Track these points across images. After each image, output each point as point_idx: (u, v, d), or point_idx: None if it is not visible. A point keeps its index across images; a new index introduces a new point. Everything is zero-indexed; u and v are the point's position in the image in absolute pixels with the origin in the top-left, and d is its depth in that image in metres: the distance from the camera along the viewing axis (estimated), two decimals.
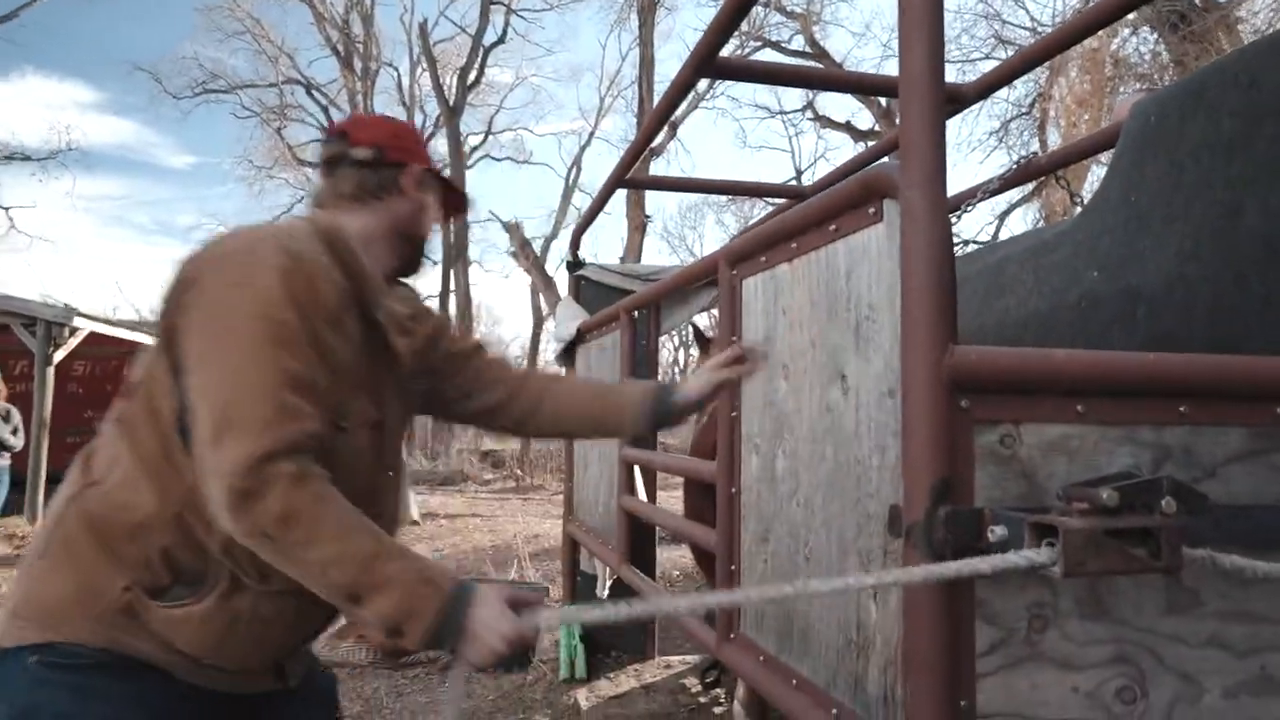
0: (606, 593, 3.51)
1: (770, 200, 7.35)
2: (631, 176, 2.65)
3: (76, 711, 1.07)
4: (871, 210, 1.18)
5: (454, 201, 1.51)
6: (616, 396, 1.52)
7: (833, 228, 1.30)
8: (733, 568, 1.65)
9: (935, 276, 0.98)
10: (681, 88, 1.92)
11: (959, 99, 2.06)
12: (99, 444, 1.19)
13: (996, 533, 0.93)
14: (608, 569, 3.36)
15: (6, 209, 19.00)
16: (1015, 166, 1.97)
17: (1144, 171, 1.62)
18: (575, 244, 3.67)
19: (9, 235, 19.68)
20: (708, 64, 1.85)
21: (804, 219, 1.40)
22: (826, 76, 2.01)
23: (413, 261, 1.42)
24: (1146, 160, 1.63)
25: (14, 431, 7.69)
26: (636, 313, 2.80)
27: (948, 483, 0.97)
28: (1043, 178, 2.20)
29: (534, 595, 1.17)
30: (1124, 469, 1.03)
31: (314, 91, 23.37)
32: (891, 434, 1.09)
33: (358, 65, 22.62)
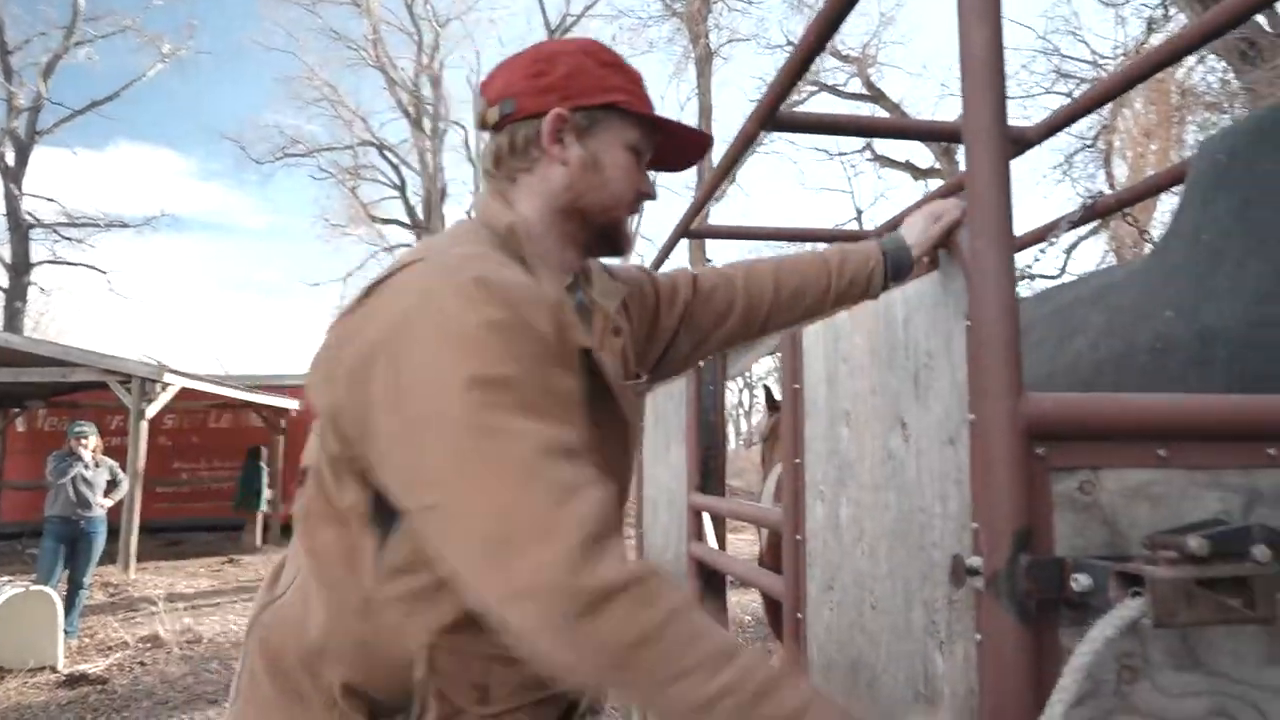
0: None
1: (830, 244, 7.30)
2: (695, 228, 2.71)
3: None
4: (927, 260, 1.20)
5: (671, 141, 1.11)
6: (858, 270, 1.32)
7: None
8: (799, 615, 1.65)
9: (1004, 326, 0.99)
10: (745, 141, 1.97)
11: (1022, 141, 2.06)
12: (291, 546, 0.98)
13: (1081, 581, 0.92)
14: None
15: (105, 273, 20.15)
16: (1082, 209, 1.96)
17: (1213, 208, 1.60)
18: None
19: (106, 296, 20.90)
20: (770, 118, 1.90)
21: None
22: (888, 126, 2.05)
23: (605, 242, 1.08)
24: (1218, 197, 1.61)
25: (114, 483, 8.08)
26: (702, 360, 2.83)
27: (1028, 531, 0.97)
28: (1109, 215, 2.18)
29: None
30: (1212, 515, 1.02)
31: (385, 152, 24.34)
32: (953, 482, 1.10)
33: (427, 125, 23.52)
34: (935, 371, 1.18)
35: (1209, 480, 1.03)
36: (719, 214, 18.68)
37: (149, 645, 5.78)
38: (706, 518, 3.25)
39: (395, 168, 24.25)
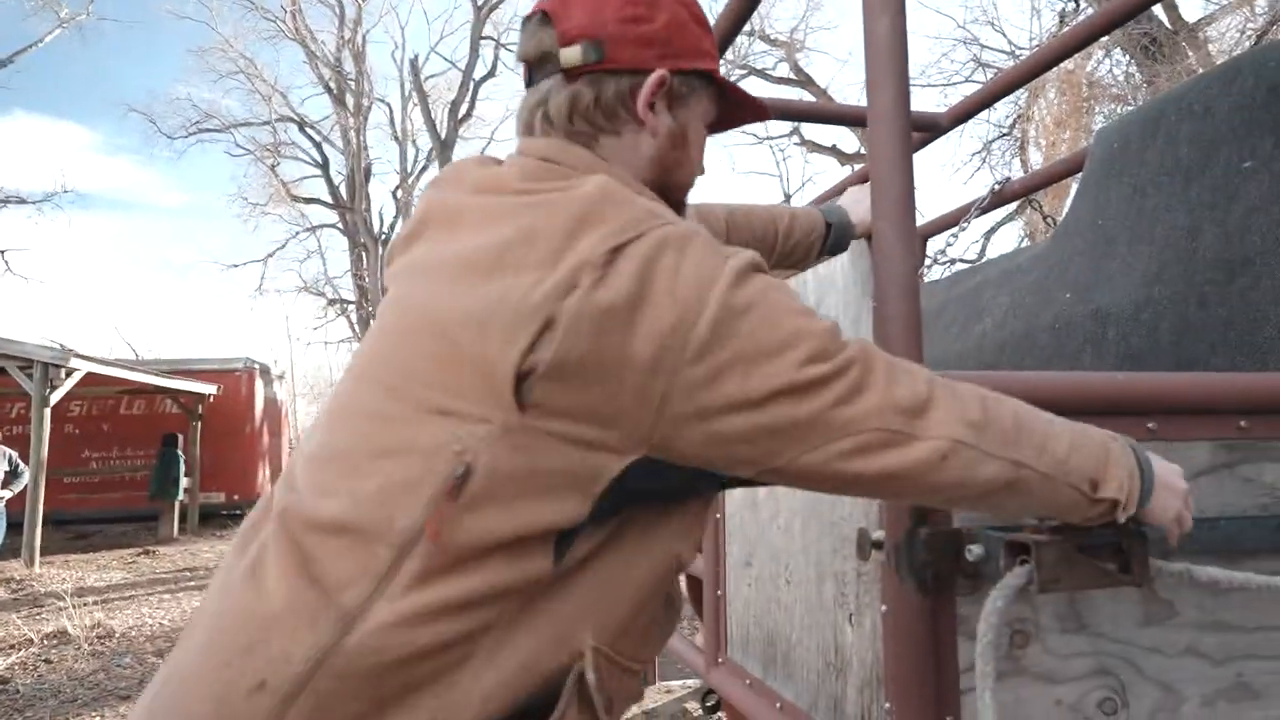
0: None
1: None
2: None
3: None
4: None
5: (733, 110, 1.03)
6: (802, 234, 1.29)
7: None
8: (719, 593, 1.68)
9: (905, 305, 1.02)
10: None
11: (934, 128, 2.12)
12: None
13: (974, 552, 0.96)
14: None
15: (1, 252, 19.04)
16: (990, 194, 2.02)
17: (1109, 195, 1.68)
18: None
19: (3, 277, 19.75)
20: None
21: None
22: (804, 110, 2.08)
23: None
24: (1112, 184, 1.69)
25: (14, 473, 7.68)
26: None
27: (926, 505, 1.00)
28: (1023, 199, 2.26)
29: None
30: None
31: (307, 128, 23.55)
32: None
33: (350, 101, 22.82)
34: None
35: None
36: None
37: (55, 642, 5.50)
38: None
39: (317, 145, 23.49)
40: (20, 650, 5.38)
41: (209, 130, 23.36)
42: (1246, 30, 7.23)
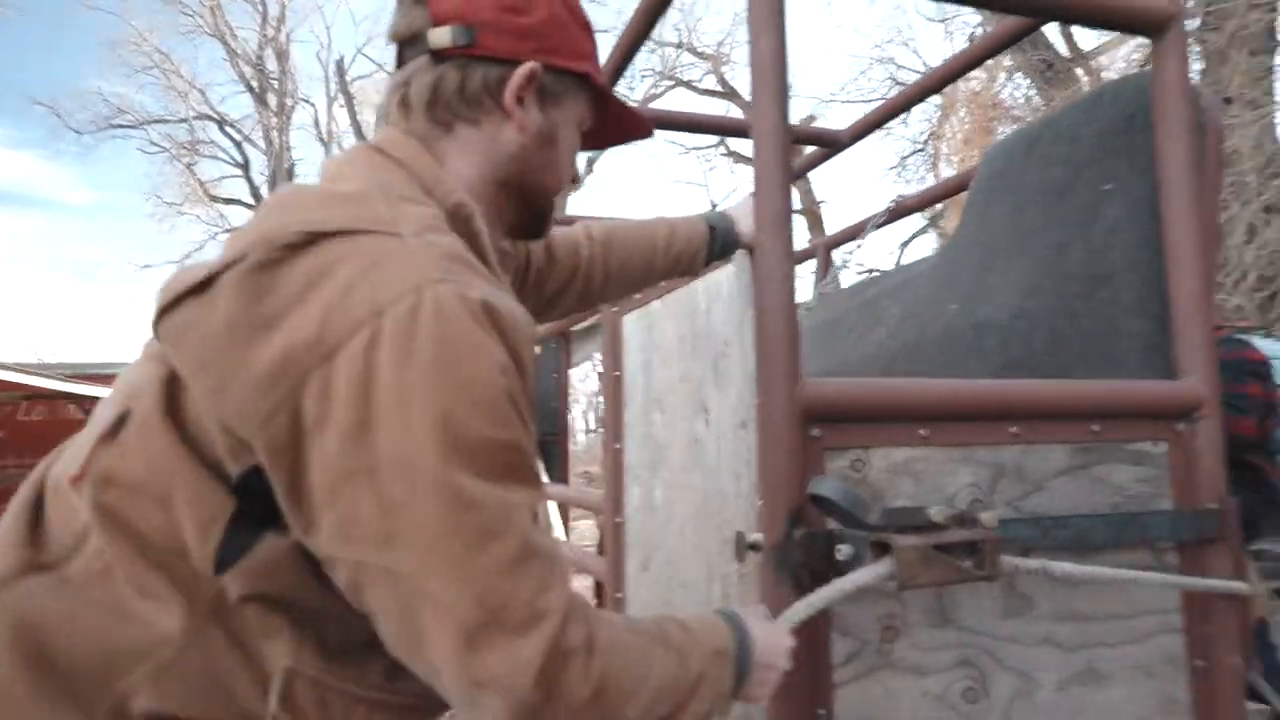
0: None
1: None
2: None
3: None
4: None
5: (612, 124, 1.00)
6: (685, 244, 1.26)
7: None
8: (619, 595, 1.71)
9: (783, 314, 1.07)
10: None
11: (834, 143, 2.20)
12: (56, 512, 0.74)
13: (844, 551, 1.01)
14: None
15: None
16: (887, 211, 2.11)
17: (991, 211, 1.78)
18: None
19: None
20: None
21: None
22: (690, 121, 2.13)
23: (529, 227, 0.96)
24: (995, 201, 1.79)
25: None
26: (540, 347, 2.85)
27: (802, 508, 1.05)
28: (939, 208, 2.36)
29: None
30: (965, 487, 1.14)
31: (227, 127, 22.82)
32: (744, 463, 1.17)
33: (273, 101, 22.22)
34: (730, 359, 1.25)
35: (963, 456, 1.15)
36: (577, 204, 18.70)
37: None
38: (551, 504, 3.28)
39: (238, 145, 22.78)
40: None
41: (122, 126, 22.43)
42: (1131, 60, 7.70)
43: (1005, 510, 1.13)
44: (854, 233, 2.52)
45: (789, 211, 1.10)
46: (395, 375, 0.63)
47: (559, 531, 3.32)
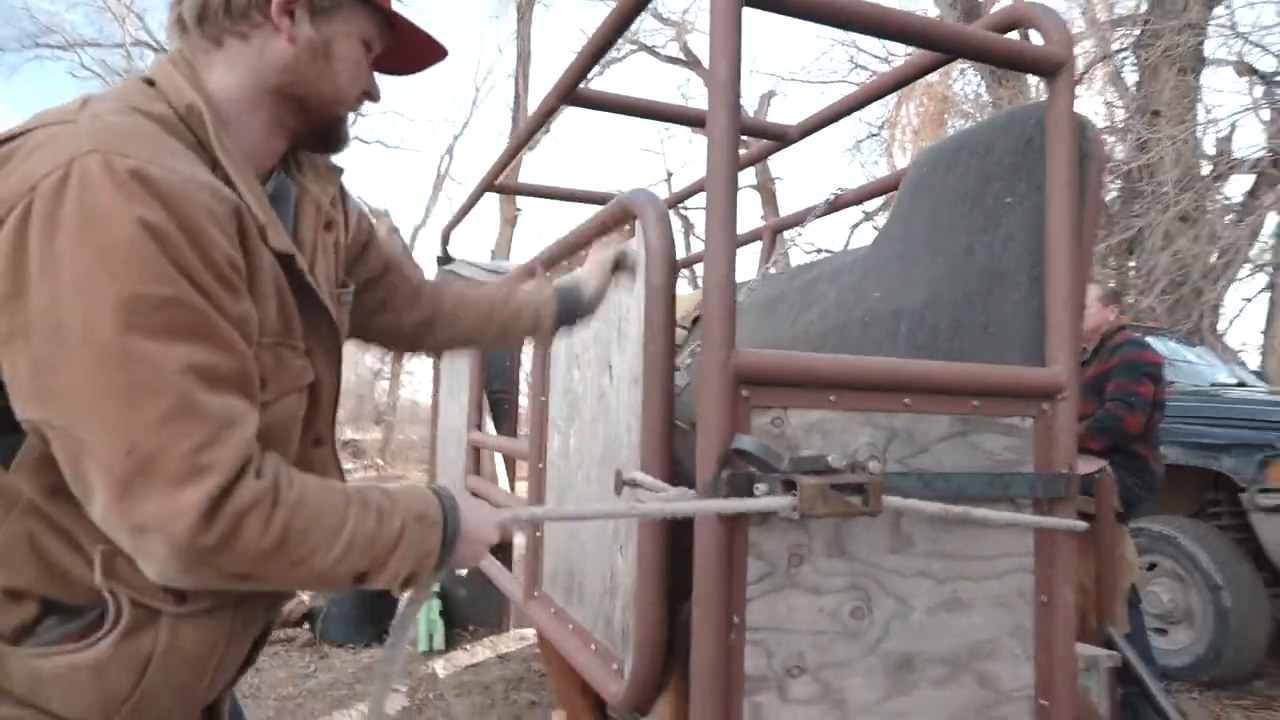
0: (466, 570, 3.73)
1: None
2: (501, 183, 2.89)
3: None
4: (627, 228, 1.50)
5: (405, 45, 1.03)
6: (525, 301, 1.35)
7: (604, 241, 1.63)
8: (537, 534, 1.94)
9: (723, 294, 1.28)
10: (544, 114, 2.18)
11: (783, 138, 2.41)
12: None
13: (760, 489, 1.24)
14: None
15: None
16: (826, 203, 2.34)
17: (915, 211, 2.02)
18: (445, 240, 3.86)
19: None
20: (570, 93, 2.12)
21: (591, 230, 1.72)
22: (676, 114, 2.33)
23: (319, 137, 0.99)
24: (919, 202, 2.03)
25: None
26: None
27: (730, 454, 1.28)
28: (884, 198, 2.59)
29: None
30: (864, 445, 1.38)
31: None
32: (634, 413, 1.40)
33: None
34: (629, 323, 1.47)
35: (864, 420, 1.39)
36: (532, 163, 18.63)
37: None
38: (499, 457, 3.49)
39: None
40: None
41: (49, 46, 21.44)
42: (1079, 61, 8.08)
43: (896, 466, 1.38)
44: (798, 219, 2.75)
45: (734, 208, 1.31)
46: (42, 242, 0.69)
47: (503, 481, 3.53)
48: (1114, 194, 6.79)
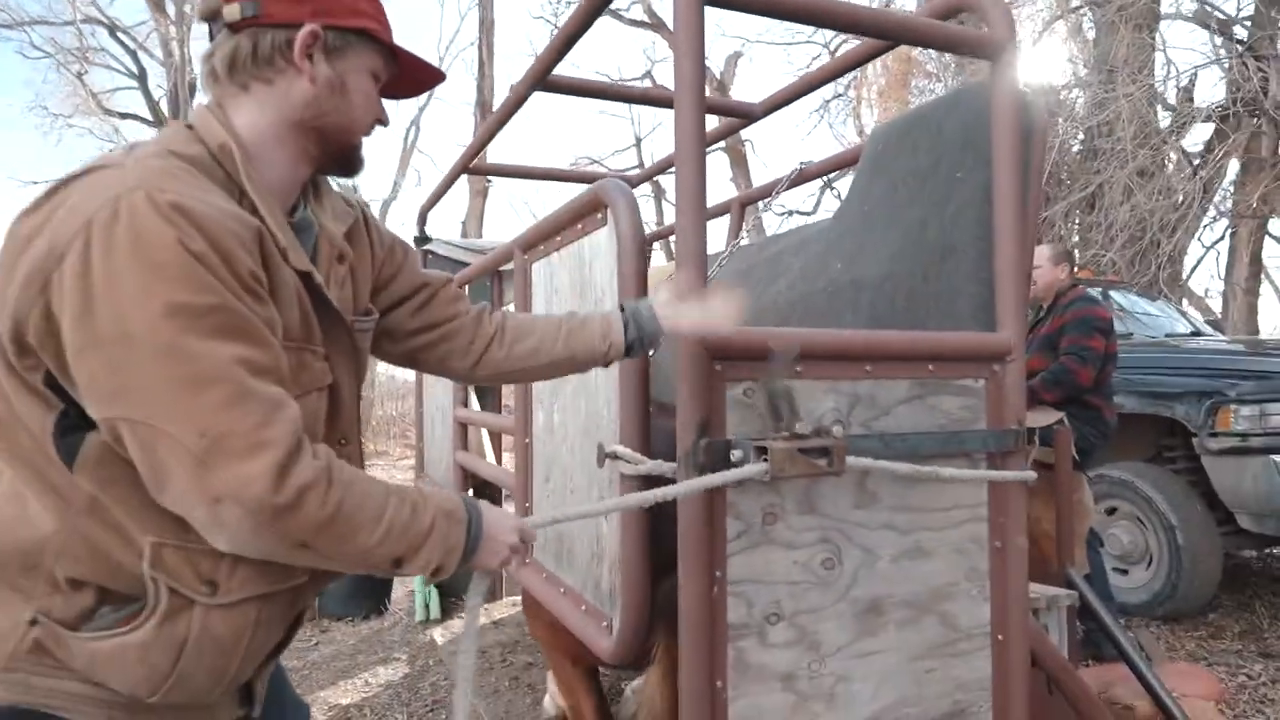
0: None
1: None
2: (476, 165, 2.95)
3: None
4: (600, 216, 1.60)
5: (407, 73, 1.15)
6: (590, 315, 1.37)
7: (580, 227, 1.73)
8: (527, 505, 2.06)
9: (695, 275, 1.39)
10: (516, 102, 2.26)
11: (748, 115, 2.51)
12: None
13: (735, 455, 1.36)
14: None
15: None
16: (792, 174, 2.44)
17: (872, 186, 2.12)
18: (422, 221, 3.92)
19: None
20: (541, 81, 2.20)
21: (565, 217, 1.82)
22: (643, 97, 2.42)
23: (339, 162, 1.11)
24: (876, 177, 2.14)
25: None
26: (468, 287, 3.13)
27: (707, 422, 1.39)
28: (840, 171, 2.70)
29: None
30: (830, 410, 1.50)
31: (119, 33, 21.42)
32: (613, 389, 1.52)
33: (171, 9, 20.92)
34: (606, 304, 1.58)
35: (829, 387, 1.51)
36: (503, 133, 18.45)
37: None
38: (484, 431, 3.59)
39: (132, 54, 21.47)
40: None
41: None
42: (1040, 19, 8.19)
43: (858, 429, 1.50)
44: (765, 192, 2.85)
45: (703, 193, 1.41)
46: (103, 265, 0.81)
47: (490, 455, 3.64)
48: (1076, 149, 6.93)
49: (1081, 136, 6.76)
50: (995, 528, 1.63)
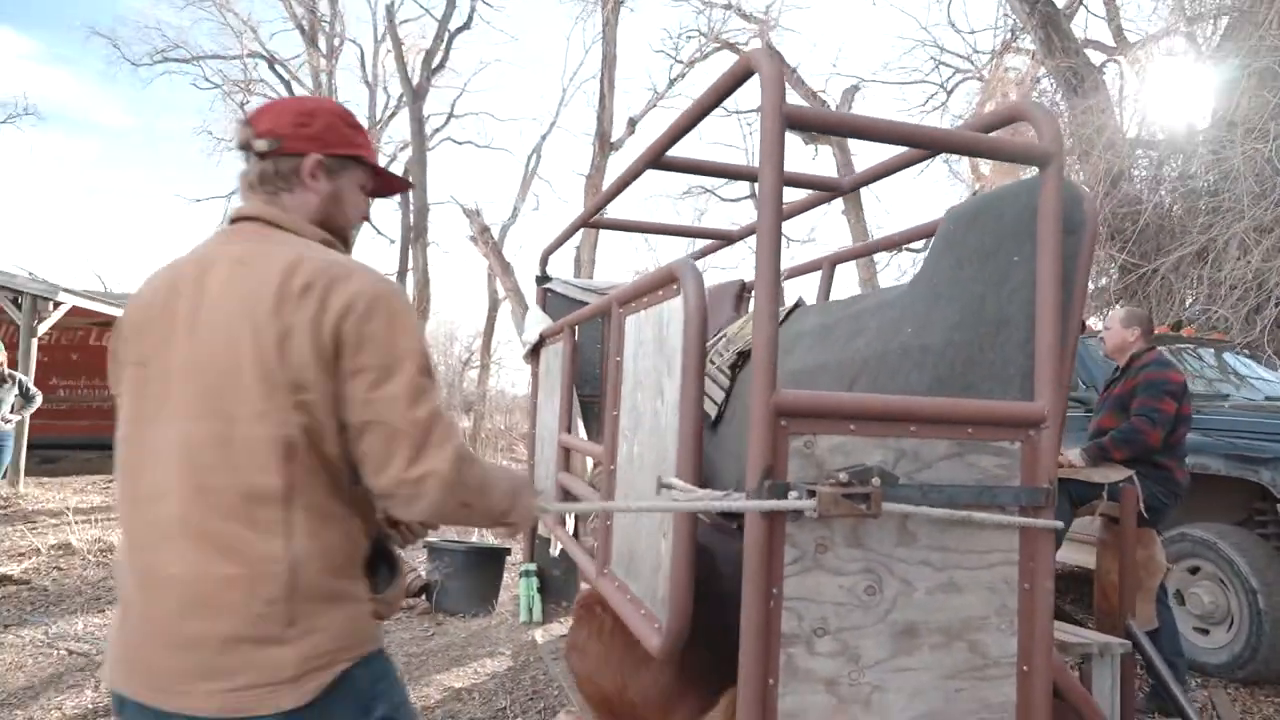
0: (557, 552, 4.24)
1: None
2: (597, 220, 3.35)
3: (403, 694, 1.41)
4: (674, 287, 1.94)
5: (385, 183, 1.58)
6: None
7: (660, 293, 2.08)
8: (608, 524, 2.42)
9: (768, 350, 1.71)
10: (631, 176, 2.64)
11: (835, 189, 2.81)
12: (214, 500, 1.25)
13: (792, 495, 1.67)
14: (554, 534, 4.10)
15: None
16: (876, 242, 2.71)
17: (943, 261, 2.39)
18: (544, 262, 4.36)
19: None
20: (657, 160, 2.58)
21: (648, 284, 2.20)
22: (705, 167, 2.79)
23: (338, 246, 1.48)
24: (946, 252, 2.40)
25: (28, 396, 8.08)
26: (577, 328, 3.51)
27: (771, 468, 1.71)
28: (895, 249, 2.96)
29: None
30: (876, 463, 1.79)
31: (277, 66, 23.40)
32: (675, 434, 1.84)
33: (322, 43, 22.72)
34: (676, 363, 1.91)
35: (877, 443, 1.79)
36: (617, 164, 19.14)
37: (61, 552, 6.02)
38: (589, 459, 3.96)
39: (286, 84, 23.42)
40: (30, 558, 5.92)
41: (175, 60, 23.16)
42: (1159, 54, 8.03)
43: (903, 479, 1.78)
44: (854, 254, 3.13)
45: (779, 277, 1.74)
46: (380, 324, 1.26)
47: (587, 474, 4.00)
48: (1182, 206, 6.82)
49: (1197, 189, 6.66)
50: (1025, 571, 1.87)
